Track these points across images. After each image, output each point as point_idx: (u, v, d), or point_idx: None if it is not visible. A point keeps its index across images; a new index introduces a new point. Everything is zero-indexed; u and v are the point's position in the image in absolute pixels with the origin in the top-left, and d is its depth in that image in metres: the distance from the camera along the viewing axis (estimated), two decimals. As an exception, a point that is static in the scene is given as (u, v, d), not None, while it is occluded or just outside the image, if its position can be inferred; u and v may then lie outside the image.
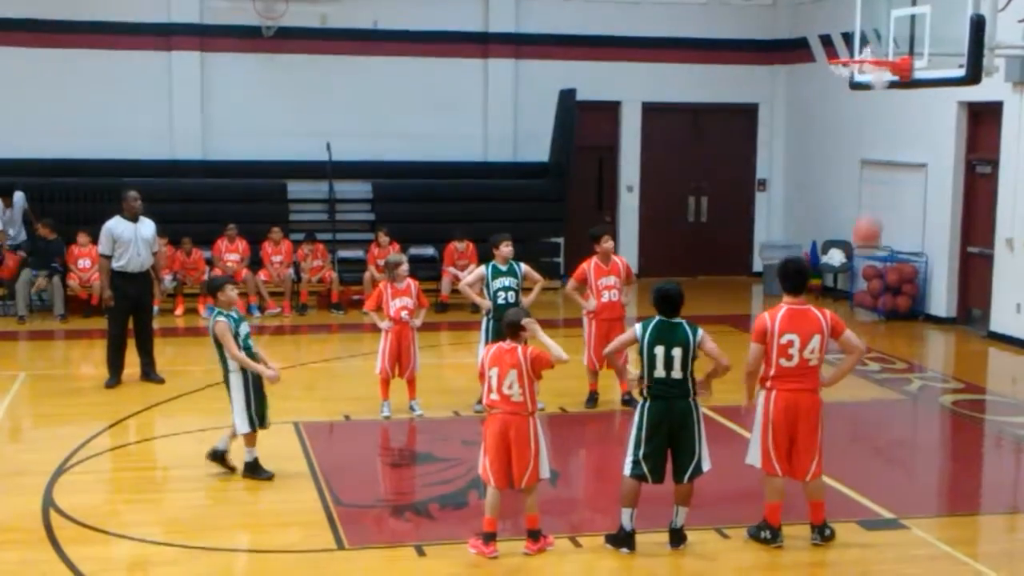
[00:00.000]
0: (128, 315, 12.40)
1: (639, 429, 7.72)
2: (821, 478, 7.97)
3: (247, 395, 9.12)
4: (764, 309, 8.20)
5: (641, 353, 7.73)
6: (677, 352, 7.65)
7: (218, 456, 9.34)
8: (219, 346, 9.09)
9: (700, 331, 7.77)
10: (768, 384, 7.80)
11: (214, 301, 9.28)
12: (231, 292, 9.26)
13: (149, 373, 12.54)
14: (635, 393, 8.32)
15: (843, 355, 8.07)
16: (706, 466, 7.83)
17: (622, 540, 7.82)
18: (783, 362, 7.71)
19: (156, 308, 14.05)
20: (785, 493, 7.93)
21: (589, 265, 11.52)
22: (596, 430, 11.39)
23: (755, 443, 7.92)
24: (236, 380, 9.13)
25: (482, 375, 7.81)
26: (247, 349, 9.15)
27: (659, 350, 7.65)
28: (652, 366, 7.67)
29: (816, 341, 7.71)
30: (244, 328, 9.22)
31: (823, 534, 7.97)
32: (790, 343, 7.68)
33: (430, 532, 8.23)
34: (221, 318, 9.05)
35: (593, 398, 11.67)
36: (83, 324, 16.09)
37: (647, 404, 7.72)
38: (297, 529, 8.26)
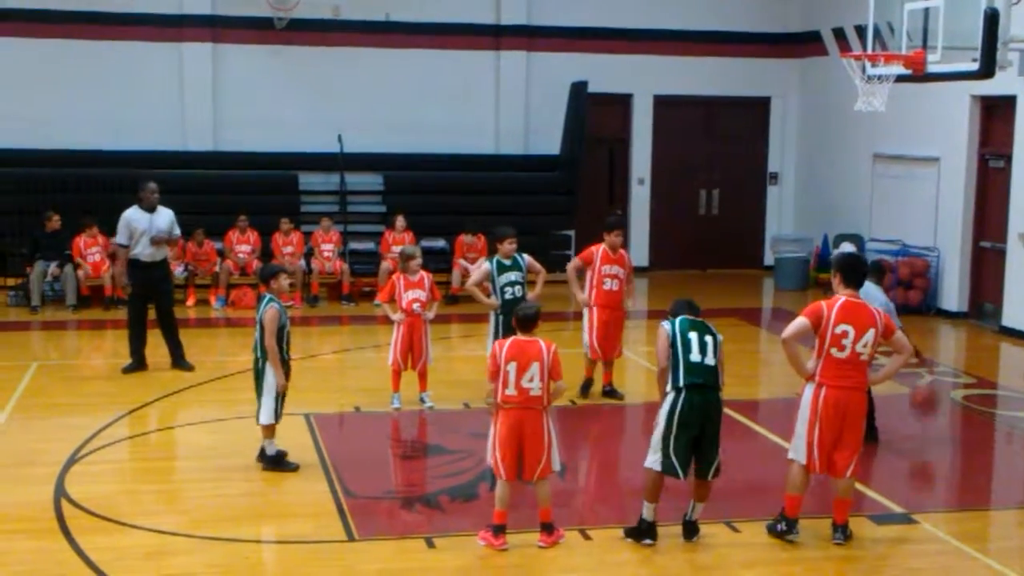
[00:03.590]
0: (143, 303, 12.52)
1: (670, 422, 7.61)
2: (854, 479, 7.92)
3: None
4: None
5: (674, 345, 7.67)
6: (709, 340, 7.72)
7: (272, 458, 9.34)
8: (263, 333, 9.11)
9: (720, 336, 7.86)
10: (818, 379, 7.72)
11: (266, 288, 9.31)
12: (284, 281, 9.35)
13: (178, 360, 12.65)
14: None
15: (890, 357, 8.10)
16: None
17: (645, 531, 7.80)
18: (835, 352, 7.63)
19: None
20: (807, 488, 7.92)
21: (598, 250, 11.37)
22: (604, 423, 11.38)
23: (800, 438, 7.81)
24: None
25: (495, 372, 7.69)
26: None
27: (693, 335, 7.68)
28: (688, 351, 7.62)
29: (870, 335, 7.64)
30: (286, 322, 9.27)
31: (845, 534, 7.91)
32: (844, 334, 7.61)
33: (440, 524, 8.24)
34: (274, 305, 9.10)
35: (588, 385, 11.67)
36: (95, 314, 16.15)
37: (681, 396, 7.59)
38: (307, 520, 8.29)
